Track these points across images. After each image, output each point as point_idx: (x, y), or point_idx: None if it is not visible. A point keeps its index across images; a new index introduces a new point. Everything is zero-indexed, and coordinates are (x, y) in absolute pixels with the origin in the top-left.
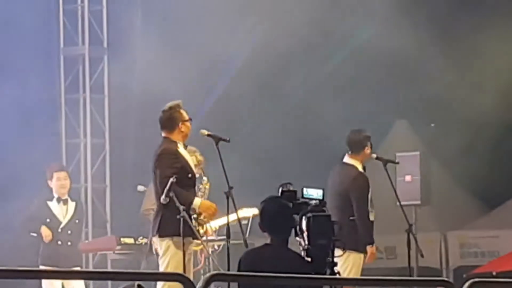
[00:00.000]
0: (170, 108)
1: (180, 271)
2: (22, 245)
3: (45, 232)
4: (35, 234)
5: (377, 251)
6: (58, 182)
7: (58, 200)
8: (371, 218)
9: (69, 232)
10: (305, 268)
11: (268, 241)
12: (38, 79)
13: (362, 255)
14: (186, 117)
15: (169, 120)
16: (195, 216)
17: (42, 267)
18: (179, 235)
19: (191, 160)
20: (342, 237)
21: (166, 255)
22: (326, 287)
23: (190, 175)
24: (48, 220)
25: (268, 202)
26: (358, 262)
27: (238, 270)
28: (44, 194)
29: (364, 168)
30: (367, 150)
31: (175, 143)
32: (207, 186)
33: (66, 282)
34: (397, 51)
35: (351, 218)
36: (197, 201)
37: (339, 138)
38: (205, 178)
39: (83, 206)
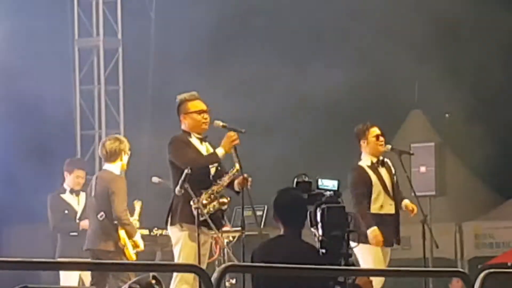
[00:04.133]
0: (178, 101)
1: (194, 261)
2: (38, 237)
3: (85, 225)
4: (75, 234)
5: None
6: (77, 179)
7: (71, 191)
8: (391, 211)
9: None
10: (318, 260)
11: (281, 232)
12: (53, 70)
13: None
14: (191, 110)
15: (177, 113)
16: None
17: (59, 260)
18: (189, 222)
19: (206, 152)
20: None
21: (178, 244)
22: (340, 278)
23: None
24: (66, 211)
25: (282, 193)
26: (373, 253)
27: (252, 262)
28: (54, 189)
29: (378, 161)
30: (364, 143)
31: (188, 133)
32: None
33: (83, 272)
34: (411, 40)
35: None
36: (220, 151)
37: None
38: (237, 165)
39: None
